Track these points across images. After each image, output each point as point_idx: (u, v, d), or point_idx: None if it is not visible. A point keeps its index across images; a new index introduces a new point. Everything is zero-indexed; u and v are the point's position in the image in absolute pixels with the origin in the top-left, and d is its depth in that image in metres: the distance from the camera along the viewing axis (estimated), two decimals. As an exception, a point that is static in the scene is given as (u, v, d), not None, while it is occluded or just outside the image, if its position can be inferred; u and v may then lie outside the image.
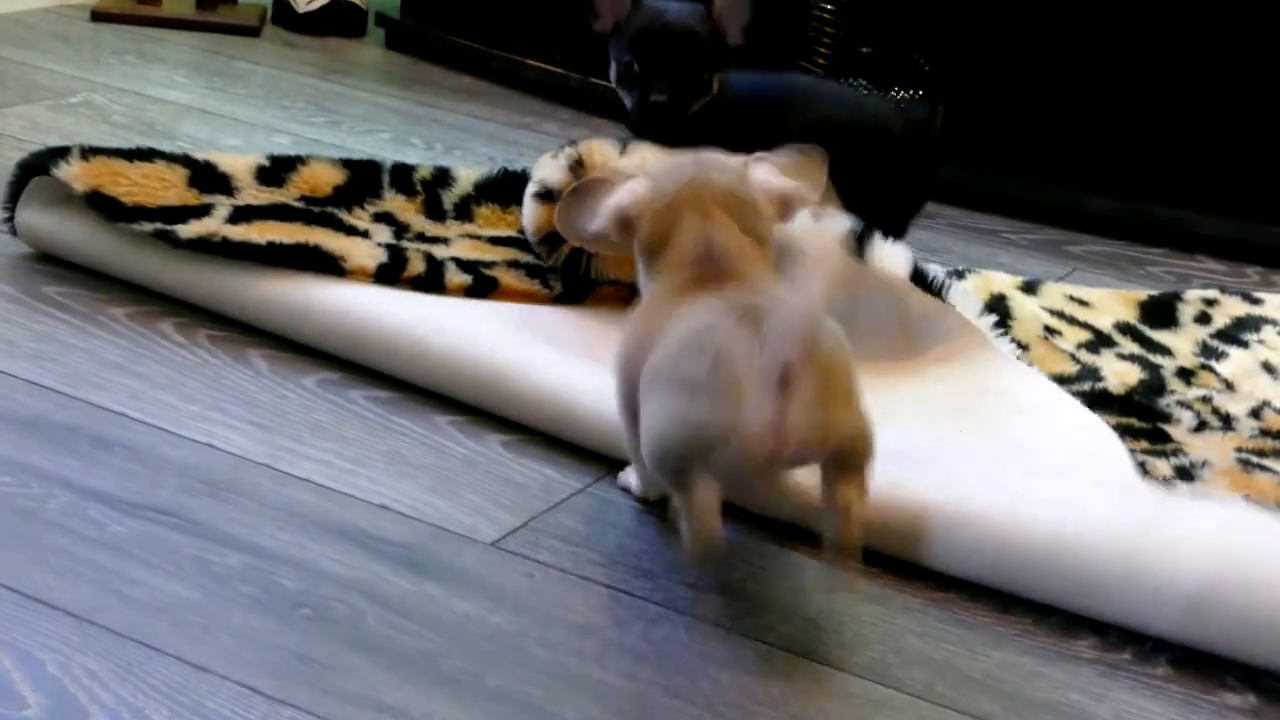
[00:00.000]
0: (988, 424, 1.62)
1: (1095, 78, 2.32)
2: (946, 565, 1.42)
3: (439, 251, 1.79)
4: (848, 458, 1.27)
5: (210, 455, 1.48)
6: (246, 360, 1.66)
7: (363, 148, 2.31)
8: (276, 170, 1.89)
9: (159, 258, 1.75)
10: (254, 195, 1.84)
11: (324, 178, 1.90)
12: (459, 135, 2.46)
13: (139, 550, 1.32)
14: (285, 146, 2.28)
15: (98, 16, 2.77)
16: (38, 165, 1.81)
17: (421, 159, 2.27)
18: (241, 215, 1.78)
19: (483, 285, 1.74)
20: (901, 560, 1.42)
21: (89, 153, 1.82)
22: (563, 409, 1.56)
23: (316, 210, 1.84)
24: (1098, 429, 1.62)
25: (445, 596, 1.31)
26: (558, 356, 1.63)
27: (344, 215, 1.85)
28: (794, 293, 1.22)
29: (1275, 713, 1.29)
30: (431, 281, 1.73)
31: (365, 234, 1.81)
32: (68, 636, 1.20)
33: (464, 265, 1.77)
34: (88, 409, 1.53)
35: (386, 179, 1.93)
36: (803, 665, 1.28)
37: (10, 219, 1.83)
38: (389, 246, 1.76)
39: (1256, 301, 2.04)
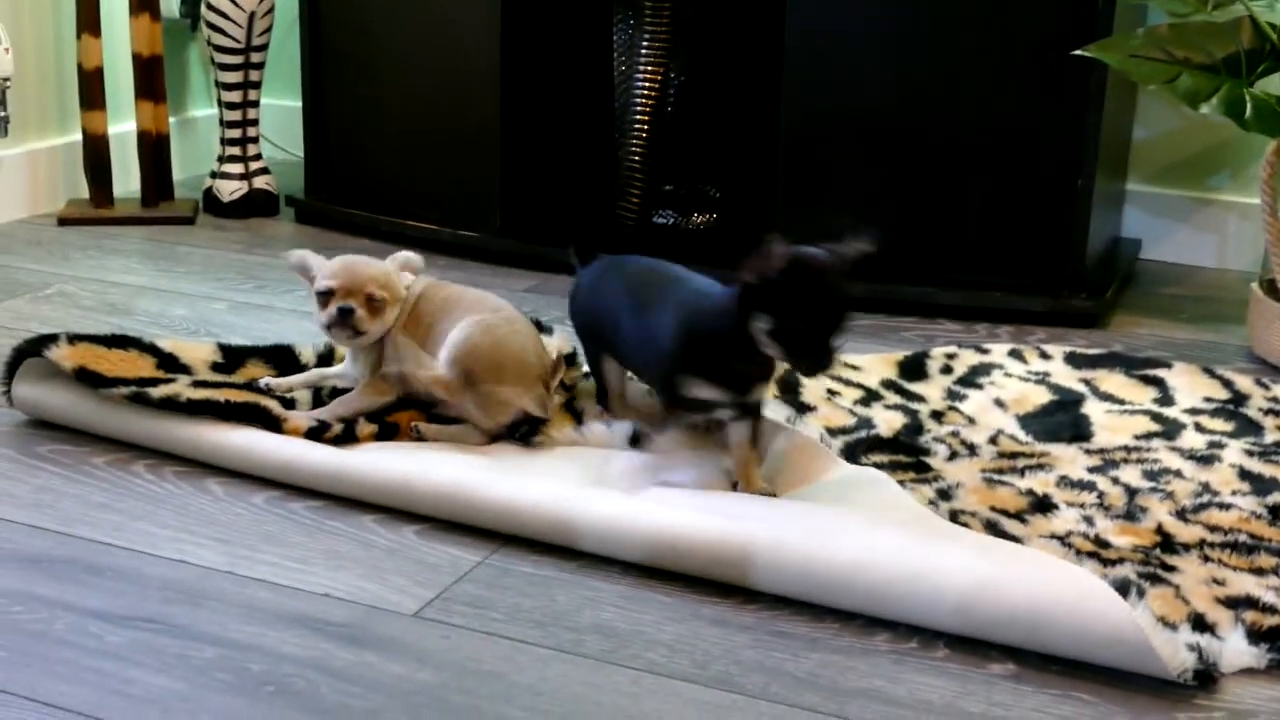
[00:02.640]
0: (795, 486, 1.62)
1: (849, 187, 2.35)
2: (769, 586, 1.43)
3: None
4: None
5: (184, 569, 1.45)
6: (206, 488, 1.63)
7: (284, 304, 2.29)
8: (228, 364, 1.86)
9: (130, 416, 1.71)
10: (209, 379, 1.81)
11: (260, 373, 1.84)
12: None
13: (131, 654, 1.29)
14: (222, 310, 2.26)
15: (64, 222, 2.72)
16: (30, 349, 1.77)
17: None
18: (200, 387, 1.75)
19: (387, 431, 1.72)
20: (734, 586, 1.43)
21: (74, 339, 1.79)
22: (460, 499, 1.55)
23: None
24: (875, 478, 1.63)
25: (381, 662, 1.30)
26: (450, 459, 1.63)
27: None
28: None
29: (1031, 675, 1.31)
30: (347, 439, 1.69)
31: (294, 402, 1.78)
32: (79, 733, 1.18)
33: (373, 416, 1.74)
34: (81, 543, 1.50)
35: (309, 359, 1.90)
36: (666, 683, 1.28)
37: (7, 392, 1.80)
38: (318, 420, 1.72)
39: (985, 351, 2.08)
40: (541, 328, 1.92)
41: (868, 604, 1.39)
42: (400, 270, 1.79)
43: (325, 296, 1.72)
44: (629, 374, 1.78)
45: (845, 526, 1.46)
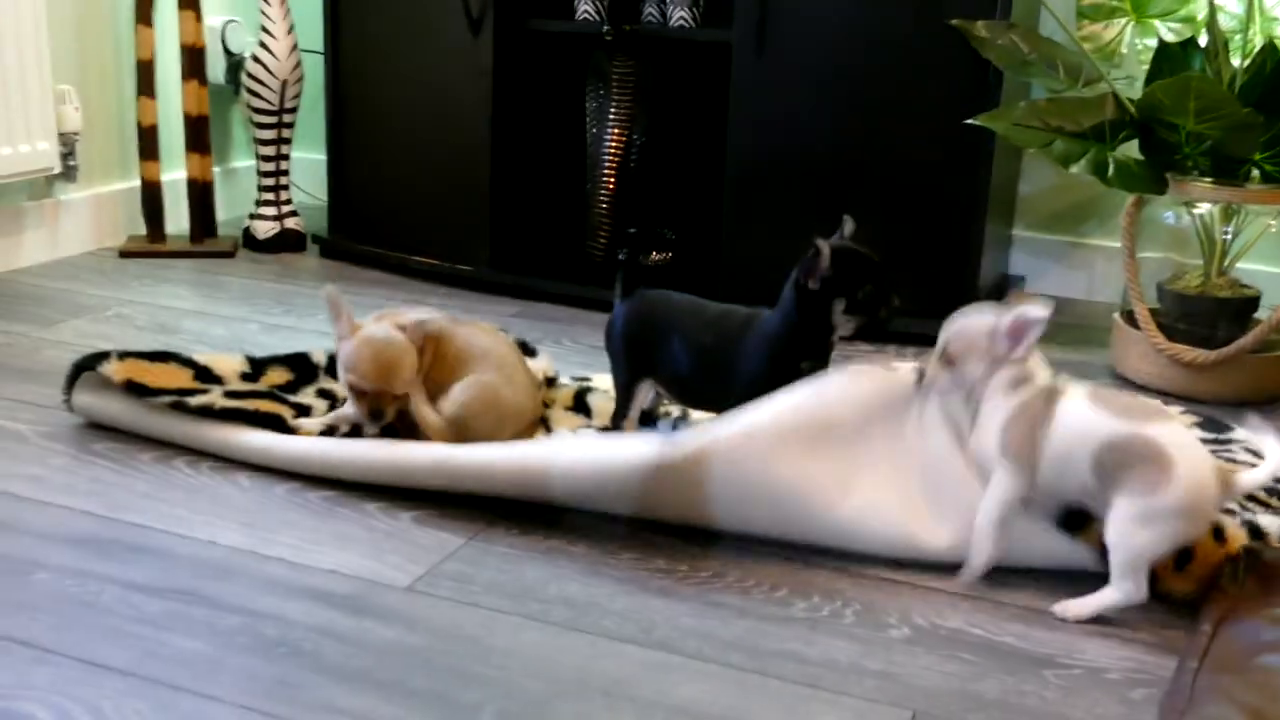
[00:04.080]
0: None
1: (782, 231, 2.35)
2: (565, 497, 1.48)
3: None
4: None
5: (213, 549, 1.44)
6: (235, 481, 1.61)
7: (308, 326, 2.28)
8: (254, 373, 1.84)
9: (171, 420, 1.69)
10: (238, 387, 1.79)
11: (281, 377, 1.84)
12: (374, 311, 2.42)
13: (165, 621, 1.28)
14: (256, 330, 2.24)
15: (124, 254, 2.70)
16: (87, 364, 1.75)
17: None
18: (230, 396, 1.73)
19: (389, 431, 1.69)
20: (679, 564, 1.42)
21: (123, 355, 1.77)
22: (450, 475, 1.54)
23: (279, 394, 1.79)
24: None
25: (377, 628, 1.28)
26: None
27: (296, 397, 1.79)
28: None
29: (924, 639, 1.31)
30: (354, 435, 1.68)
31: (309, 409, 1.75)
32: (119, 687, 1.16)
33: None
34: (126, 526, 1.48)
35: (320, 371, 1.88)
36: (616, 646, 1.27)
37: (68, 400, 1.78)
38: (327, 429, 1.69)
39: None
40: (527, 349, 1.91)
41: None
42: (414, 335, 1.66)
43: (358, 392, 1.64)
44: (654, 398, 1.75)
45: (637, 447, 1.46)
